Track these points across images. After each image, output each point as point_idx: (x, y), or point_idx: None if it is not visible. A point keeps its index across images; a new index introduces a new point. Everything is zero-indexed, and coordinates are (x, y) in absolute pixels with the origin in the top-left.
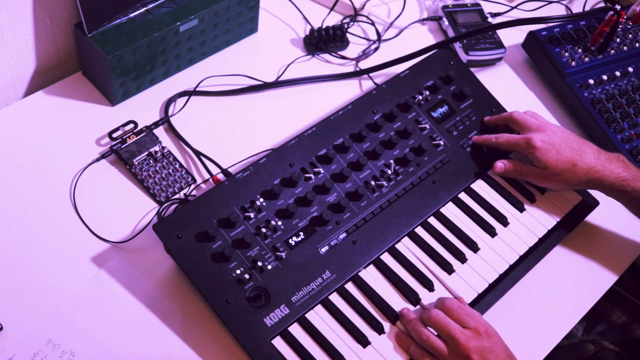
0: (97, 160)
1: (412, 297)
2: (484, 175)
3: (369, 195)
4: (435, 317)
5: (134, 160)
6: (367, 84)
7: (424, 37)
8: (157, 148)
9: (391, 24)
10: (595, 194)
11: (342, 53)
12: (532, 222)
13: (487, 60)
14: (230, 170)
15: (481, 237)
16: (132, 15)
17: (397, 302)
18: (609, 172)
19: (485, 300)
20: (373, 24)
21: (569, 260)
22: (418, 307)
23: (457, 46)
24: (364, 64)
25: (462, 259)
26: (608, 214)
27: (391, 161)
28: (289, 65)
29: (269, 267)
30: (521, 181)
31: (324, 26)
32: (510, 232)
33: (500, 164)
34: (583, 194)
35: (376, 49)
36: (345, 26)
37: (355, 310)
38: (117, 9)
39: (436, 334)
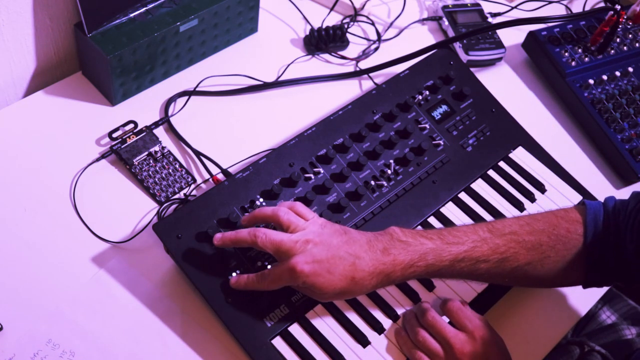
0: (97, 160)
1: (412, 296)
2: (484, 175)
3: (368, 195)
4: (432, 319)
5: (134, 160)
6: (367, 84)
7: (424, 37)
8: (157, 148)
9: (391, 24)
10: (596, 194)
11: (342, 53)
12: None
13: (487, 60)
14: (230, 170)
15: None
16: (132, 15)
17: (397, 301)
18: (391, 266)
19: (485, 300)
20: (373, 24)
21: None
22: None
23: (457, 46)
24: (364, 64)
25: None
26: None
27: (391, 161)
28: (289, 65)
29: (269, 267)
30: (522, 180)
31: (324, 26)
32: None
33: (234, 277)
34: (583, 194)
35: (376, 49)
36: (345, 26)
37: (355, 310)
38: (117, 9)
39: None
